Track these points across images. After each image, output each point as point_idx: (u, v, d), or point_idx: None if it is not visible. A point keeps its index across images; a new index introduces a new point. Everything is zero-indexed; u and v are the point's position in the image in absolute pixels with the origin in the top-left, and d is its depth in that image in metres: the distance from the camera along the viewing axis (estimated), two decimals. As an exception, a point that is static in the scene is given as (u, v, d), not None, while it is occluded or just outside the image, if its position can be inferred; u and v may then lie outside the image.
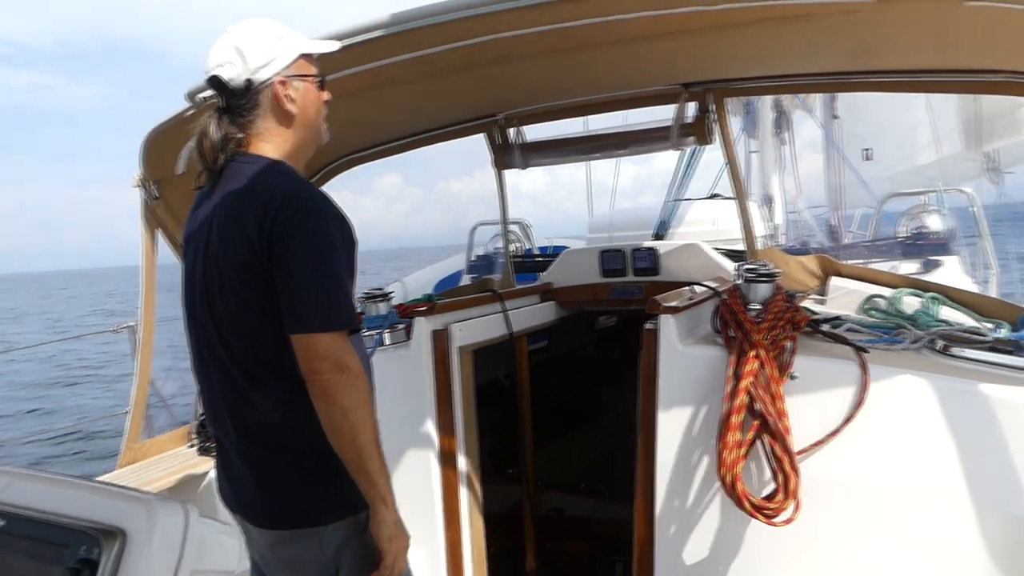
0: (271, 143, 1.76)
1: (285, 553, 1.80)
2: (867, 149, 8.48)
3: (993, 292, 5.82)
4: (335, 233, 1.64)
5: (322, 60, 1.88)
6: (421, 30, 2.09)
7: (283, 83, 1.74)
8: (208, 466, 3.14)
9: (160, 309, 3.30)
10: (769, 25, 2.17)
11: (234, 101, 1.72)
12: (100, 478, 2.93)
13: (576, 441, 4.62)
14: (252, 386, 1.72)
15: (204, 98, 2.39)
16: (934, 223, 5.86)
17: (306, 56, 1.80)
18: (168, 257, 3.17)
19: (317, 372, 1.58)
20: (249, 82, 1.70)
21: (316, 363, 1.58)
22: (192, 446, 3.41)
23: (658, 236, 4.76)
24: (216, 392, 1.80)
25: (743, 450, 2.14)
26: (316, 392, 1.59)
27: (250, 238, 1.61)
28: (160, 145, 2.84)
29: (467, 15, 2.00)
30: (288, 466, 1.75)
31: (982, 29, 2.02)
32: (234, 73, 1.69)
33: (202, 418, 3.39)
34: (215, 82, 1.71)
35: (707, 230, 5.39)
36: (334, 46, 1.89)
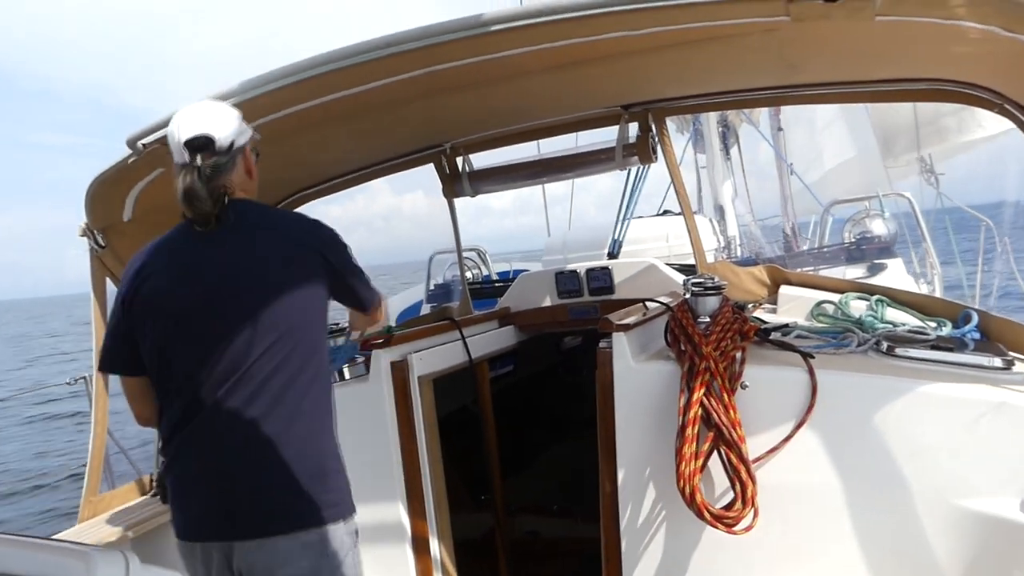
0: (245, 192, 2.10)
1: (267, 561, 1.90)
2: (790, 164, 8.74)
3: (938, 291, 5.99)
4: None
5: (263, 100, 2.24)
6: (357, 67, 2.13)
7: (249, 150, 2.11)
8: (169, 515, 3.08)
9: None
10: (695, 46, 2.24)
11: (216, 158, 1.99)
12: (58, 535, 2.86)
13: (549, 462, 4.62)
14: (254, 395, 1.91)
15: (145, 144, 2.39)
16: (877, 228, 6.02)
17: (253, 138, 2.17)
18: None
19: (376, 320, 2.33)
20: (232, 144, 2.02)
21: (377, 316, 2.30)
22: (155, 495, 3.35)
23: (612, 255, 4.82)
24: (204, 408, 1.93)
25: (700, 461, 2.18)
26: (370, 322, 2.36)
27: (306, 255, 2.02)
28: (104, 193, 2.81)
29: (401, 50, 2.04)
30: (284, 470, 1.91)
31: (897, 41, 2.11)
32: (223, 135, 1.99)
33: (164, 466, 3.33)
34: (203, 141, 1.96)
35: (660, 246, 5.48)
36: (258, 136, 2.23)
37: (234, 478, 1.93)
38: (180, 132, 1.95)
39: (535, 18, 1.92)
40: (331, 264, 2.05)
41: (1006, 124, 2.43)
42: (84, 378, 4.03)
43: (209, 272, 1.98)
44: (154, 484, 3.39)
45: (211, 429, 1.94)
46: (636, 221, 5.59)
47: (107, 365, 2.11)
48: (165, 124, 2.36)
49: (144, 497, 3.38)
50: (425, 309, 6.67)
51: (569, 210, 9.03)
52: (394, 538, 2.87)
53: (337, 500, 1.98)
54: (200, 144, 1.96)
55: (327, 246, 2.06)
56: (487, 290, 5.52)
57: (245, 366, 1.91)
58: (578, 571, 3.62)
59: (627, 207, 4.77)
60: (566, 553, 3.86)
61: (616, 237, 4.87)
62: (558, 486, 4.45)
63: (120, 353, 2.04)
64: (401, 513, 2.89)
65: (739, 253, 7.43)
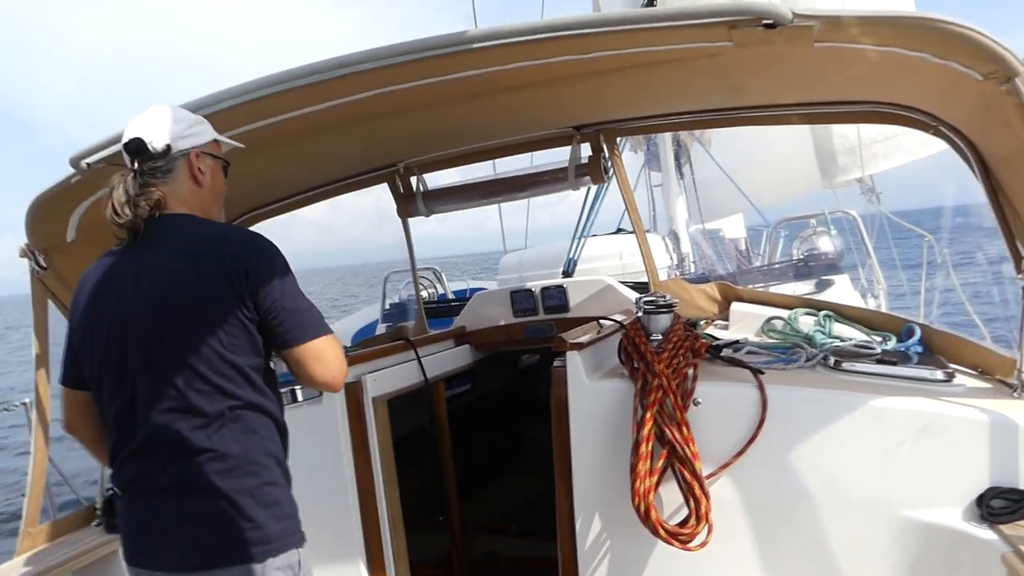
0: (185, 204, 1.94)
1: None
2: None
3: (884, 305, 6.15)
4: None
5: (212, 120, 2.06)
6: (307, 88, 2.11)
7: (197, 156, 1.95)
8: (117, 544, 2.99)
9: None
10: (643, 70, 2.28)
11: (150, 164, 1.88)
12: None
13: (507, 482, 4.60)
14: (203, 418, 1.81)
15: (89, 164, 2.34)
16: (824, 244, 6.17)
17: (216, 142, 2.03)
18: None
19: (323, 365, 1.89)
20: (168, 148, 1.89)
21: (316, 363, 1.88)
22: (98, 524, 3.25)
23: (567, 274, 4.85)
24: (153, 433, 1.83)
25: (655, 478, 2.19)
26: (317, 384, 1.92)
27: (227, 278, 1.80)
28: (46, 212, 2.74)
29: (349, 72, 2.04)
30: (205, 503, 1.81)
31: (836, 65, 2.18)
32: (156, 137, 1.88)
33: (109, 493, 3.23)
34: (136, 144, 1.87)
35: (614, 264, 5.53)
36: (239, 145, 2.10)
37: (156, 508, 1.85)
38: (123, 137, 1.90)
39: (484, 41, 1.93)
40: (251, 284, 1.81)
41: (931, 148, 2.52)
42: (24, 404, 3.90)
43: (127, 292, 1.86)
44: (98, 513, 3.29)
45: (138, 458, 1.87)
46: (591, 239, 5.65)
47: (62, 377, 2.01)
48: (110, 144, 2.32)
49: (88, 527, 3.28)
50: (381, 329, 6.63)
51: (525, 229, 9.07)
52: (349, 561, 2.82)
53: (268, 536, 1.83)
54: (133, 148, 1.88)
55: (251, 262, 1.82)
56: (443, 309, 5.50)
57: (163, 392, 1.81)
58: None
59: (583, 226, 4.82)
60: (525, 572, 3.84)
61: (571, 256, 4.90)
62: (516, 506, 4.43)
63: (70, 368, 1.98)
64: (356, 536, 2.84)
65: (692, 270, 7.54)
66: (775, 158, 8.95)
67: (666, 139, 8.11)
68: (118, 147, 1.95)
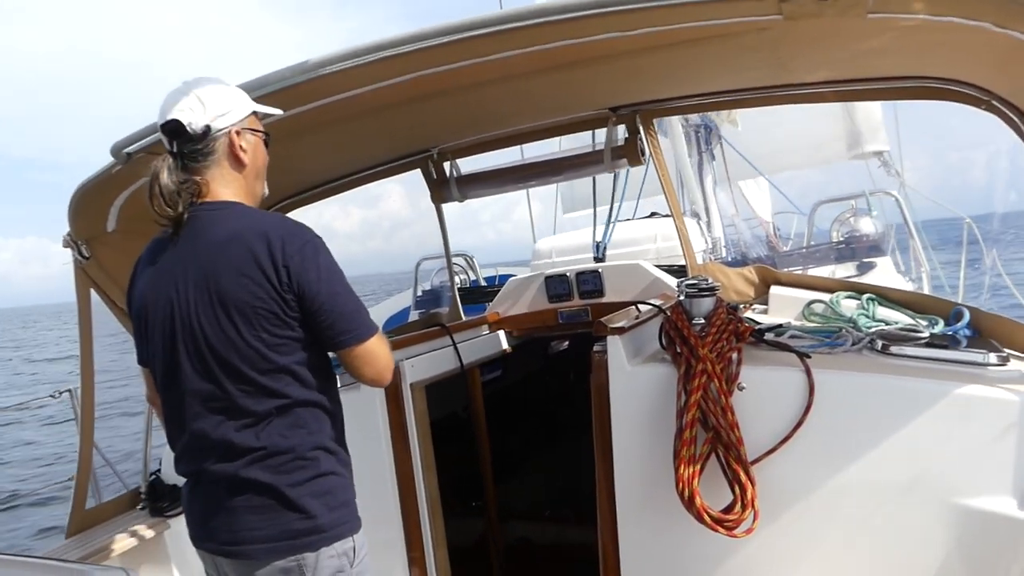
0: (228, 188, 1.88)
1: None
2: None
3: (926, 288, 6.02)
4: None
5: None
6: (345, 71, 2.09)
7: (238, 133, 1.87)
8: (161, 527, 3.04)
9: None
10: (685, 47, 2.23)
11: (190, 146, 1.82)
12: (46, 551, 2.81)
13: (538, 468, 4.61)
14: (250, 417, 1.80)
15: (130, 153, 2.35)
16: (865, 226, 6.04)
17: (255, 114, 1.95)
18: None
19: (371, 367, 1.90)
20: (207, 128, 1.81)
21: (366, 365, 1.88)
22: (143, 507, 3.30)
23: (597, 259, 4.81)
24: (201, 432, 1.83)
25: (699, 464, 2.16)
26: (365, 381, 1.95)
27: (267, 278, 1.74)
28: (88, 202, 2.77)
29: (389, 54, 2.01)
30: (293, 490, 1.81)
31: (887, 39, 2.11)
32: (194, 118, 1.80)
33: (152, 478, 3.28)
34: (173, 125, 1.80)
35: (649, 248, 5.48)
36: (280, 112, 2.02)
37: (213, 498, 1.86)
38: (159, 117, 1.84)
39: (524, 20, 1.89)
40: (294, 283, 1.76)
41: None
42: (69, 391, 3.97)
43: (173, 287, 1.82)
44: (143, 497, 3.35)
45: (190, 454, 1.89)
46: (624, 224, 5.59)
47: (138, 357, 2.01)
48: (151, 132, 2.32)
49: (133, 510, 3.33)
50: (413, 316, 6.64)
51: (553, 215, 9.02)
52: (389, 547, 2.84)
53: (321, 526, 1.83)
54: (171, 130, 1.81)
55: (293, 260, 1.76)
56: (476, 295, 5.49)
57: (210, 393, 1.81)
58: None
59: (614, 210, 4.76)
60: (560, 559, 3.84)
61: (601, 240, 4.86)
62: (547, 492, 4.44)
63: (141, 348, 1.97)
64: (395, 522, 2.86)
65: (724, 254, 7.45)
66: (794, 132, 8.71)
67: (693, 120, 7.94)
68: (159, 135, 1.89)
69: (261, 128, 1.97)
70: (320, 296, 1.78)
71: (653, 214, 6.80)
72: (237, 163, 1.88)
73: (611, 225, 4.82)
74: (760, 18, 1.86)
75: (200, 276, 1.78)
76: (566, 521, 4.10)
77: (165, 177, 1.78)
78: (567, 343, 4.71)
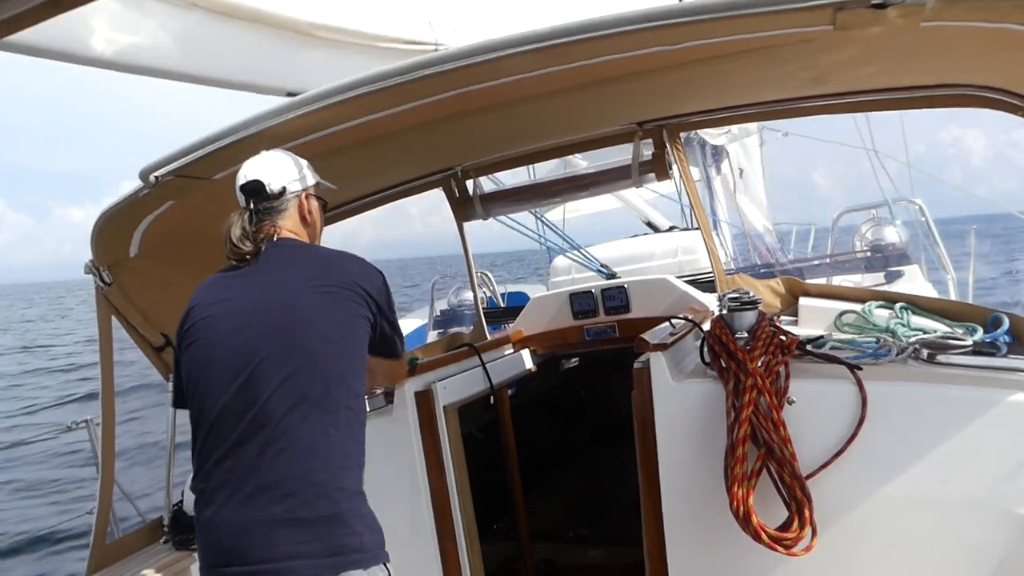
0: (294, 234, 2.13)
1: None
2: (741, 169, 8.71)
3: (953, 295, 5.95)
4: None
5: (279, 130, 2.27)
6: (371, 94, 2.09)
7: (307, 197, 2.17)
8: (187, 561, 2.95)
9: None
10: (721, 61, 2.18)
11: (267, 203, 2.08)
12: None
13: (554, 488, 4.53)
14: (270, 435, 1.82)
15: (159, 177, 2.32)
16: (890, 235, 5.97)
17: (317, 186, 2.22)
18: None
19: (392, 377, 2.53)
20: (284, 189, 2.10)
21: (392, 374, 2.43)
22: (166, 541, 3.22)
23: (611, 276, 4.75)
24: (224, 446, 1.85)
25: (752, 482, 2.10)
26: (378, 385, 2.65)
27: (353, 299, 1.98)
28: (112, 228, 2.72)
29: (416, 76, 2.00)
30: (297, 516, 1.80)
31: (935, 47, 2.07)
32: (273, 180, 2.09)
33: (175, 509, 3.20)
34: (254, 185, 2.07)
35: (670, 263, 5.42)
36: (333, 187, 2.30)
37: (251, 511, 1.82)
38: (239, 178, 2.08)
39: (558, 39, 1.86)
40: (374, 304, 2.03)
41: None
42: (86, 421, 3.90)
43: (236, 306, 1.95)
44: (165, 529, 3.27)
45: (230, 468, 1.86)
46: (645, 238, 5.54)
47: (174, 400, 2.12)
48: (179, 156, 2.29)
49: (155, 543, 3.25)
50: (432, 336, 6.56)
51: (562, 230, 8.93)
52: (427, 572, 2.76)
53: (363, 545, 1.83)
54: (251, 188, 2.07)
55: (371, 285, 2.04)
56: (495, 314, 5.43)
57: (263, 399, 1.83)
58: None
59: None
60: None
61: (623, 255, 4.81)
62: (567, 512, 4.36)
63: (179, 388, 2.05)
64: (432, 548, 2.78)
65: (732, 265, 7.39)
66: None
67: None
68: (187, 159, 2.08)
69: (323, 198, 2.24)
70: (387, 316, 2.10)
71: (672, 228, 6.74)
72: (304, 222, 2.15)
73: (632, 239, 4.76)
74: (810, 29, 1.82)
75: (287, 297, 1.94)
76: (587, 541, 4.02)
77: (239, 226, 2.01)
78: (578, 360, 4.65)
